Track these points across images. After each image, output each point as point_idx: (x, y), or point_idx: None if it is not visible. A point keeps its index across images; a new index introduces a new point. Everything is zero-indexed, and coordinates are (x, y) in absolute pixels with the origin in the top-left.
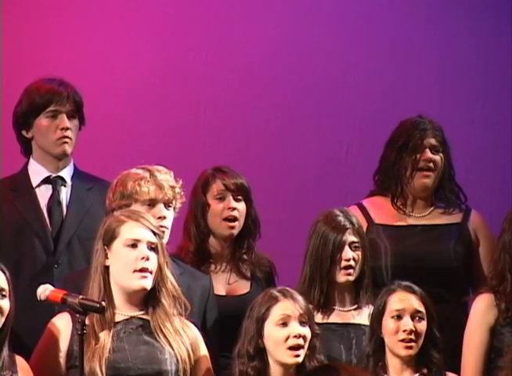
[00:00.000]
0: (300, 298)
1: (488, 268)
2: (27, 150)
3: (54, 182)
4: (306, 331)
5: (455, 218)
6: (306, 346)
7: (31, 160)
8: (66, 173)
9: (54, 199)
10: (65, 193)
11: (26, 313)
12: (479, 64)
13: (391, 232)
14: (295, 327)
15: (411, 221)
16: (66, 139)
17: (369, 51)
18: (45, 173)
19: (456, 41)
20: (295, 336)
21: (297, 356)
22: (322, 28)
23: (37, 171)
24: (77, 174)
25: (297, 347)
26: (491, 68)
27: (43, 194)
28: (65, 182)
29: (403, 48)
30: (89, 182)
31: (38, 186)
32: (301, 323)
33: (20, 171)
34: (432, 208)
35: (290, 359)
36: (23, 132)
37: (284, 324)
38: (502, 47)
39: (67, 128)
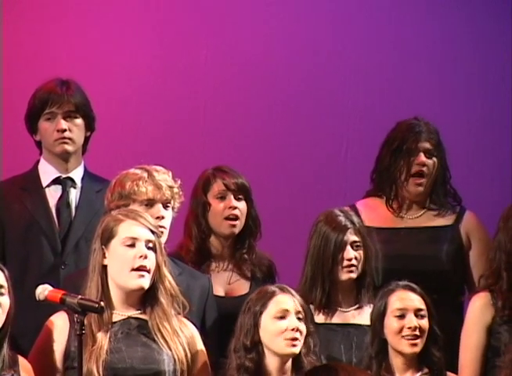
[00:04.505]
0: (297, 295)
1: (479, 270)
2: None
3: (64, 183)
4: (302, 327)
5: (447, 220)
6: (302, 341)
7: (42, 160)
8: (76, 174)
9: (63, 200)
10: (74, 195)
11: (31, 313)
12: (478, 64)
13: (381, 234)
14: (293, 321)
15: (402, 223)
16: (65, 140)
17: (368, 51)
18: (55, 173)
19: (456, 40)
20: (293, 329)
21: (294, 345)
22: (321, 28)
23: (47, 172)
24: (87, 176)
25: (294, 339)
26: (490, 68)
27: (52, 194)
28: (75, 183)
29: (402, 49)
30: (99, 185)
31: (48, 186)
32: (298, 319)
33: (31, 171)
34: (425, 210)
35: (287, 349)
36: (33, 136)
37: (282, 317)
38: (502, 47)
39: (64, 130)
